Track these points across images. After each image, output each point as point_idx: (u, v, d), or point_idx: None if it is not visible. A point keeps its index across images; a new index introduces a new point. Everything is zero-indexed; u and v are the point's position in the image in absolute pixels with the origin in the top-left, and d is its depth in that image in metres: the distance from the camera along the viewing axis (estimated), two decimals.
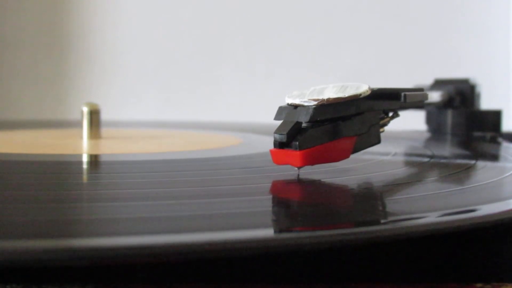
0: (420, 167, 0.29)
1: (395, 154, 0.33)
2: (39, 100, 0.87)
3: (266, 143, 0.27)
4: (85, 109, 0.37)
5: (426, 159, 0.32)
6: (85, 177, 0.25)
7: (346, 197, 0.22)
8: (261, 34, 0.85)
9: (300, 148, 0.22)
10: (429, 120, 0.50)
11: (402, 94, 0.26)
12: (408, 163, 0.32)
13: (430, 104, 0.47)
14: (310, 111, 0.23)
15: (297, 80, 0.83)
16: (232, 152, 0.33)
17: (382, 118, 0.26)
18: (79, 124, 0.38)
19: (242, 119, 0.70)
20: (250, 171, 0.26)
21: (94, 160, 0.30)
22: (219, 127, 0.53)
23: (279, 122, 0.23)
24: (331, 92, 0.23)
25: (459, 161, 0.33)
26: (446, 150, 0.39)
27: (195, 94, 0.85)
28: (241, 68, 0.85)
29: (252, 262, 0.18)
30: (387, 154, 0.32)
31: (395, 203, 0.20)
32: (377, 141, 0.26)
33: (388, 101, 0.26)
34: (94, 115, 0.37)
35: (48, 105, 0.87)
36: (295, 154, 0.22)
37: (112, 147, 0.35)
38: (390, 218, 0.19)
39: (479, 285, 0.17)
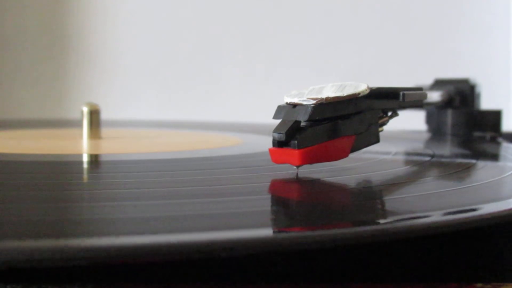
0: (420, 166, 0.29)
1: (395, 153, 0.33)
2: (40, 100, 0.87)
3: (266, 143, 0.27)
4: (85, 109, 0.37)
5: (426, 159, 0.32)
6: (85, 177, 0.25)
7: (345, 196, 0.22)
8: (261, 34, 0.85)
9: (299, 147, 0.22)
10: (429, 120, 0.49)
11: (401, 93, 0.26)
12: (408, 163, 0.32)
13: (430, 104, 0.47)
14: (309, 110, 0.23)
15: (297, 80, 0.83)
16: (232, 152, 0.33)
17: (381, 118, 0.26)
18: (79, 124, 0.38)
19: (242, 119, 0.70)
20: (249, 171, 0.26)
21: (94, 160, 0.30)
22: (219, 127, 0.53)
23: (278, 121, 0.23)
24: (330, 91, 0.23)
25: (459, 160, 0.33)
26: (446, 149, 0.39)
27: (195, 94, 0.85)
28: (240, 68, 0.85)
29: (252, 262, 0.18)
30: (387, 153, 0.32)
31: (395, 203, 0.20)
32: (376, 140, 0.26)
33: (387, 100, 0.26)
34: (94, 115, 0.37)
35: (48, 105, 0.87)
36: (294, 153, 0.22)
37: (112, 147, 0.35)
38: (390, 218, 0.18)
39: (479, 285, 0.17)
